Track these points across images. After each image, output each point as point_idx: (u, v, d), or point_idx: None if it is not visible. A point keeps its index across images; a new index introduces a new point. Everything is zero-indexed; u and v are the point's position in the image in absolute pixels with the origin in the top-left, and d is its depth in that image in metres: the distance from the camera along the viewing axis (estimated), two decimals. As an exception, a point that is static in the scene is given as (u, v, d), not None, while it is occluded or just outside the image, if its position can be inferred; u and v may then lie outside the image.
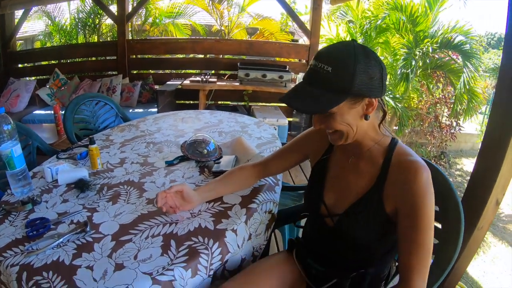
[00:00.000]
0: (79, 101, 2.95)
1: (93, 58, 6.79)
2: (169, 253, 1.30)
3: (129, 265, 1.24)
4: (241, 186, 1.74)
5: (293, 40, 7.97)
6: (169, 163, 2.06)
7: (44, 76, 6.36)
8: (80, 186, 1.75)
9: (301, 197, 2.62)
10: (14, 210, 1.58)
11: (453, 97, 7.18)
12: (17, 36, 6.69)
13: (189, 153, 2.09)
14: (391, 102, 6.62)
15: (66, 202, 1.66)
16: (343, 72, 1.12)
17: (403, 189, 1.19)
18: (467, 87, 6.38)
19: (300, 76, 5.62)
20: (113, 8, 6.37)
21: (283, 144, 2.53)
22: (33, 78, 6.48)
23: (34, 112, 5.58)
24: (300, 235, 1.72)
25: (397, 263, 1.52)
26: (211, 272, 1.33)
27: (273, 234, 1.88)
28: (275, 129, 5.00)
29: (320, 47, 6.55)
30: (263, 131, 2.77)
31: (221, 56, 6.55)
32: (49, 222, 1.48)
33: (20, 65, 6.69)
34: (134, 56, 6.38)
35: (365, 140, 1.31)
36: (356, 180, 1.34)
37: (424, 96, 8.02)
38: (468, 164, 8.95)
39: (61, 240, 1.36)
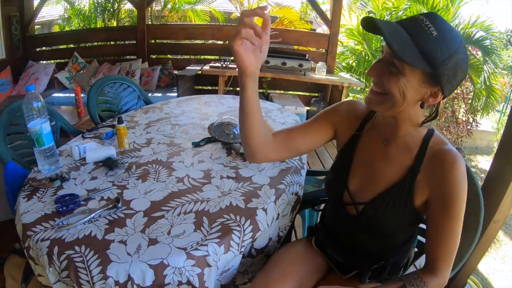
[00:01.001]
0: (103, 83, 2.96)
1: (112, 43, 6.83)
2: (202, 229, 1.31)
3: (163, 240, 1.25)
4: (262, 129, 1.35)
5: (311, 29, 7.94)
6: (196, 144, 2.07)
7: (63, 60, 6.39)
8: (109, 164, 1.76)
9: (321, 183, 2.61)
10: (42, 186, 1.59)
11: (471, 93, 7.12)
12: (36, 18, 6.71)
13: (216, 134, 2.10)
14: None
15: (95, 179, 1.67)
16: (444, 46, 1.03)
17: (439, 177, 1.15)
18: (487, 83, 6.32)
19: (320, 65, 5.58)
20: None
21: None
22: (52, 61, 6.50)
23: (53, 95, 5.59)
24: (319, 219, 1.69)
25: (415, 249, 1.52)
26: (242, 249, 1.34)
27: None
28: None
29: (340, 36, 6.53)
30: (286, 117, 2.77)
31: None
32: (79, 198, 1.49)
33: (38, 49, 6.74)
34: (153, 41, 6.38)
35: (404, 123, 1.24)
36: (385, 169, 1.29)
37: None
38: (482, 162, 8.85)
39: (92, 215, 1.36)
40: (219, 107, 2.91)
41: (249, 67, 1.13)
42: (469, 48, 6.96)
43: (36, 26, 8.89)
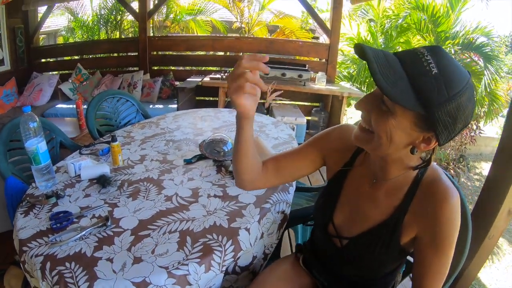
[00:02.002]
0: (101, 98, 3.03)
1: (115, 54, 6.91)
2: (184, 249, 1.36)
3: (146, 259, 1.30)
4: (255, 164, 1.32)
5: (314, 38, 7.96)
6: (188, 162, 2.12)
7: (67, 71, 6.47)
8: (102, 181, 1.82)
9: (315, 198, 2.62)
10: (39, 203, 1.66)
11: (474, 99, 7.09)
12: (40, 30, 6.82)
13: (207, 152, 2.14)
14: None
15: (88, 196, 1.73)
16: (443, 87, 0.91)
17: (429, 215, 1.07)
18: (488, 89, 6.31)
19: (319, 75, 5.62)
20: (135, 5, 6.45)
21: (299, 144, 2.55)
22: (56, 72, 6.59)
23: (56, 106, 5.68)
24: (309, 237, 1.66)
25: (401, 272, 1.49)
26: (224, 268, 1.38)
27: (286, 231, 1.90)
28: (293, 128, 5.01)
29: (341, 45, 6.54)
30: (280, 131, 2.79)
31: (241, 54, 6.58)
32: (72, 215, 1.55)
33: (43, 60, 6.83)
34: (155, 53, 6.44)
35: (394, 166, 1.15)
36: (371, 210, 1.22)
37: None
38: (487, 168, 8.63)
39: (83, 233, 1.43)
40: (215, 122, 2.97)
41: (248, 112, 1.10)
42: (471, 54, 6.96)
43: (42, 36, 9.02)
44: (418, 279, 1.14)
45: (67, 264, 1.27)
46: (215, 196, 1.75)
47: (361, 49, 0.95)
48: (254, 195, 1.75)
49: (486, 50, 6.53)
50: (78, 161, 1.98)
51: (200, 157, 2.17)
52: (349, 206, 1.30)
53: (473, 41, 6.69)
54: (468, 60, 7.07)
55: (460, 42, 6.78)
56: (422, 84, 0.92)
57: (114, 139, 2.02)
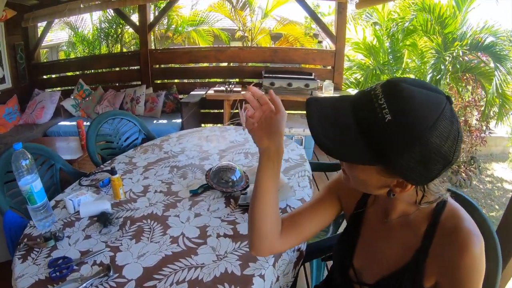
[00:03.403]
0: (101, 120, 2.95)
1: (117, 69, 6.89)
2: (194, 303, 1.24)
3: (153, 318, 1.19)
4: (274, 217, 1.20)
5: (318, 42, 7.89)
6: (194, 193, 2.00)
7: (69, 87, 6.46)
8: (103, 220, 1.71)
9: (328, 226, 2.51)
10: (37, 246, 1.56)
11: (483, 100, 7.00)
12: (42, 44, 6.81)
13: (214, 182, 2.01)
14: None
15: (88, 238, 1.63)
16: (400, 135, 0.82)
17: (449, 262, 0.97)
18: (500, 90, 6.20)
19: (326, 84, 5.51)
20: (135, 18, 6.39)
21: (311, 163, 2.43)
22: (58, 89, 6.57)
23: (59, 124, 5.66)
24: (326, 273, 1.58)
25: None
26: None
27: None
28: (302, 140, 4.91)
29: (347, 50, 6.44)
30: (291, 151, 2.65)
31: (245, 64, 6.51)
32: (72, 262, 1.45)
33: (44, 77, 6.82)
34: (157, 66, 6.43)
35: (399, 203, 1.07)
36: (388, 249, 1.13)
37: (453, 99, 7.81)
38: (498, 169, 8.64)
39: (84, 285, 1.33)
40: (221, 143, 2.85)
41: (259, 144, 1.11)
42: (478, 54, 6.86)
43: (45, 50, 9.01)
44: None
45: (67, 321, 1.16)
46: (225, 235, 1.63)
47: (306, 104, 0.94)
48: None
49: (496, 50, 6.42)
50: (77, 195, 1.89)
51: (207, 187, 2.05)
52: (367, 248, 1.22)
53: (482, 41, 6.58)
54: (477, 60, 6.97)
55: (468, 42, 6.68)
56: (373, 135, 0.85)
57: (113, 172, 1.91)
